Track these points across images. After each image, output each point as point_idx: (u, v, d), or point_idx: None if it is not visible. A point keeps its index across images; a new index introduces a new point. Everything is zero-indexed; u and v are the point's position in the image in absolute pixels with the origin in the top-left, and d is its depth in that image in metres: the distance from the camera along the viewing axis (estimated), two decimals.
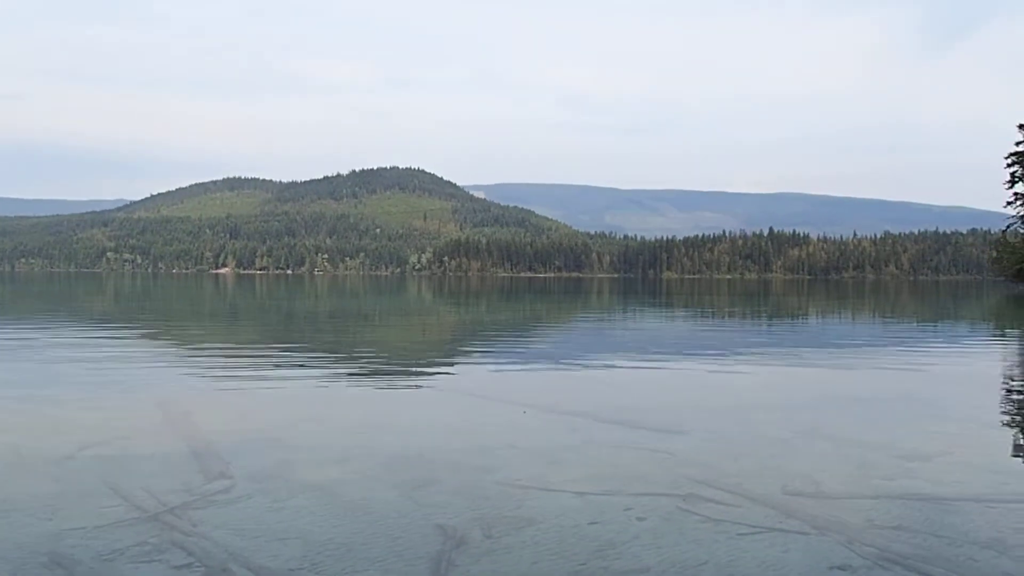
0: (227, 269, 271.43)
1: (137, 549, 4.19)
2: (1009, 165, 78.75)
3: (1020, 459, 6.65)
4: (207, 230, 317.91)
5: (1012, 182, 78.48)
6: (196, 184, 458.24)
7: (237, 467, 5.86)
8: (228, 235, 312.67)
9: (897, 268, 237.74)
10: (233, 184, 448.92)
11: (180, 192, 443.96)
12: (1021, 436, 7.64)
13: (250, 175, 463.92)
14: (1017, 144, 78.25)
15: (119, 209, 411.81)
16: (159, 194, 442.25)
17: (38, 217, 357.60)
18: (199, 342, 17.43)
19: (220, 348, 15.90)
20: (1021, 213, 76.71)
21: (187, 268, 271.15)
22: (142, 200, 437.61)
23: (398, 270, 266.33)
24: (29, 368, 11.88)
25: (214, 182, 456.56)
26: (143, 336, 18.85)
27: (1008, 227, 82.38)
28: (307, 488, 5.35)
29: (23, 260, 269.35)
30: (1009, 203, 79.24)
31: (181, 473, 5.72)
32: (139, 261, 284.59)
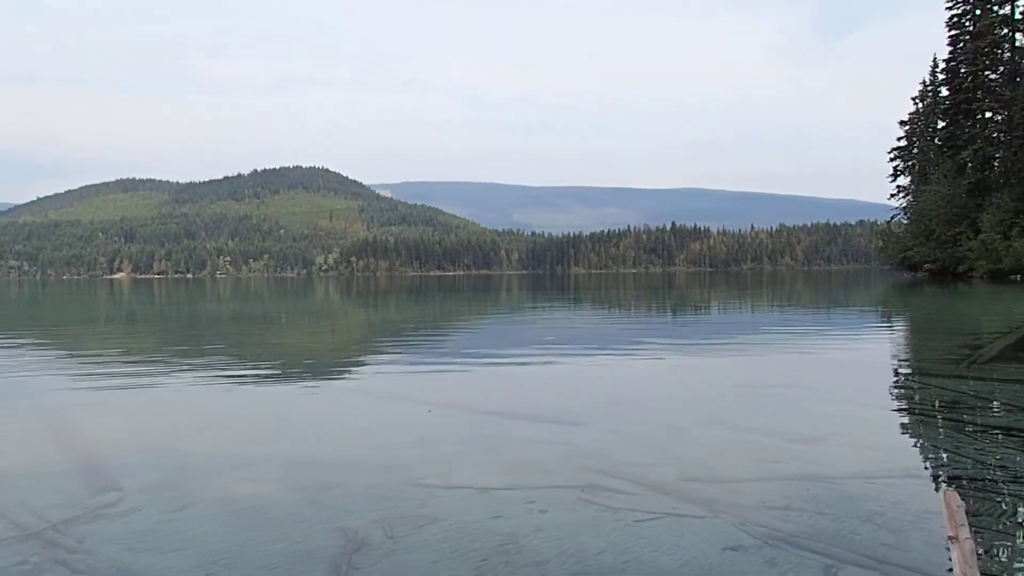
0: (122, 274, 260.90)
1: (16, 569, 3.99)
2: (892, 160, 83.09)
3: (899, 437, 7.01)
4: (100, 234, 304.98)
5: (895, 176, 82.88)
6: (87, 186, 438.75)
7: (127, 478, 5.65)
8: (123, 239, 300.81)
9: (792, 259, 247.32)
10: (127, 185, 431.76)
11: (70, 194, 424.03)
12: (902, 416, 8.06)
13: (146, 176, 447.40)
14: (898, 140, 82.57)
15: (2, 213, 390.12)
16: (47, 196, 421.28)
17: None
18: (90, 350, 16.69)
19: (113, 355, 15.27)
20: (904, 205, 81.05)
21: (79, 274, 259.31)
22: (27, 203, 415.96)
23: (304, 271, 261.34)
24: None
25: (107, 183, 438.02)
26: (27, 344, 17.93)
27: (892, 218, 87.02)
28: (202, 497, 5.20)
29: None
30: (893, 195, 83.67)
31: (65, 487, 5.48)
32: (26, 268, 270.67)
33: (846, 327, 20.99)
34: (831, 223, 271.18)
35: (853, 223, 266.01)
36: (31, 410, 8.71)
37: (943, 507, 3.30)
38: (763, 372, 11.56)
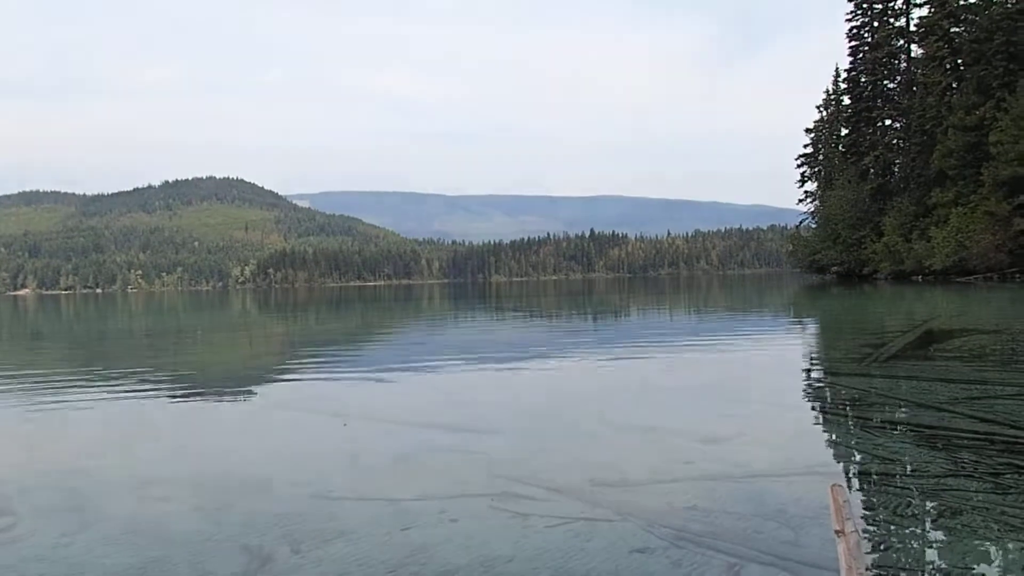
0: (27, 290, 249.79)
1: None
2: (799, 166, 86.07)
3: (804, 435, 7.24)
4: (1, 248, 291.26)
5: (802, 181, 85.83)
6: None
7: (21, 502, 5.41)
8: (27, 253, 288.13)
9: (708, 264, 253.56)
10: (30, 198, 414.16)
11: None
12: (808, 414, 8.33)
13: (49, 188, 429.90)
14: (805, 147, 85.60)
15: None
16: None
17: None
18: None
19: (14, 377, 14.56)
20: (811, 210, 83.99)
21: None
22: None
23: (220, 284, 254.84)
24: None
25: (8, 196, 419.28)
26: None
27: (801, 222, 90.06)
28: (102, 519, 5.01)
29: None
30: (800, 200, 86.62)
31: None
32: None
33: (758, 329, 21.60)
34: (744, 228, 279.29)
35: (765, 228, 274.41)
36: None
37: (830, 501, 3.42)
38: (676, 374, 11.79)
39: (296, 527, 4.68)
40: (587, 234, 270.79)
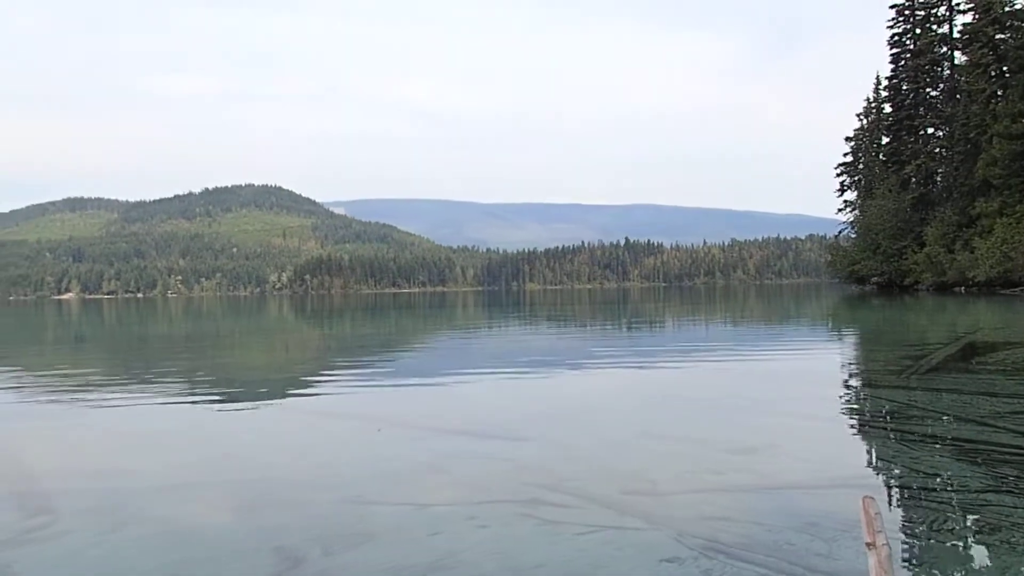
0: (71, 294, 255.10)
1: None
2: (839, 175, 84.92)
3: (839, 447, 7.14)
4: (47, 253, 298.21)
5: (841, 191, 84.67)
6: (33, 205, 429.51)
7: (62, 502, 5.53)
8: (71, 258, 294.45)
9: (744, 273, 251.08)
10: (75, 204, 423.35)
11: (15, 214, 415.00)
12: (844, 426, 8.21)
13: (93, 195, 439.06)
14: (845, 156, 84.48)
15: None
16: None
17: None
18: (36, 372, 16.26)
19: (58, 378, 14.89)
20: (851, 219, 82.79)
21: (26, 295, 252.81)
22: None
23: (258, 290, 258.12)
24: None
25: (53, 203, 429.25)
26: None
27: (840, 232, 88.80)
28: (137, 519, 5.10)
29: None
30: (840, 210, 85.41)
31: None
32: None
33: (795, 340, 21.35)
34: (782, 238, 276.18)
35: (803, 237, 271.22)
36: None
37: (862, 514, 3.37)
38: (710, 385, 11.69)
39: (328, 530, 4.73)
40: (622, 242, 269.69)
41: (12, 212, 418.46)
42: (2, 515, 5.22)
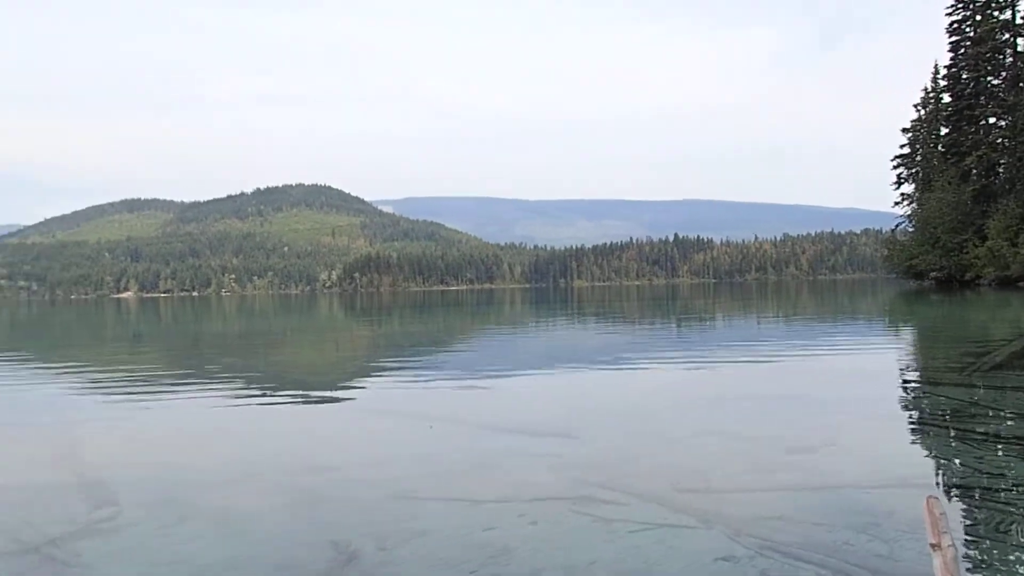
0: (129, 293, 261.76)
1: None
2: (895, 167, 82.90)
3: (899, 446, 6.98)
4: (106, 254, 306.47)
5: (898, 183, 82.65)
6: (92, 207, 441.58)
7: (126, 494, 5.67)
8: (129, 258, 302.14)
9: (797, 269, 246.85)
10: (132, 205, 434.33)
11: (76, 215, 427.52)
12: (904, 425, 8.02)
13: (150, 196, 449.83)
14: (901, 147, 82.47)
15: (11, 235, 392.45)
16: (54, 218, 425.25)
17: None
18: (98, 368, 16.73)
19: (120, 374, 15.30)
20: (908, 213, 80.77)
21: (86, 294, 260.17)
22: (35, 224, 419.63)
23: (308, 288, 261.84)
24: None
25: (111, 204, 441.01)
26: (33, 363, 17.98)
27: (897, 226, 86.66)
28: (197, 512, 5.22)
29: None
30: (897, 203, 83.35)
31: (65, 503, 5.51)
32: (35, 288, 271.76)
33: (850, 336, 20.92)
34: (836, 232, 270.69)
35: (858, 232, 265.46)
36: (35, 427, 8.75)
37: (926, 514, 3.28)
38: (763, 382, 11.53)
39: (382, 526, 4.77)
40: (671, 238, 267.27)
41: (73, 214, 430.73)
42: (70, 506, 5.38)
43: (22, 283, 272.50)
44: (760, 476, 5.78)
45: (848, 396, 9.93)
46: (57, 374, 15.63)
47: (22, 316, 62.42)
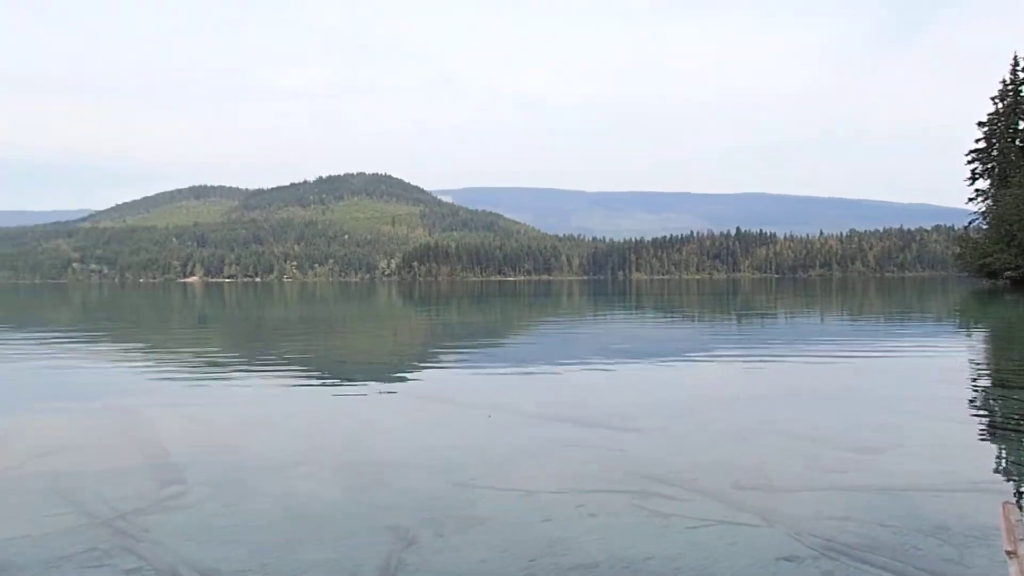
0: (195, 278, 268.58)
1: (86, 555, 4.16)
2: (970, 162, 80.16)
3: (969, 450, 6.75)
4: (174, 239, 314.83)
5: (973, 179, 79.90)
6: (161, 193, 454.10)
7: (191, 473, 5.82)
8: (195, 244, 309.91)
9: (863, 265, 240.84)
10: (199, 192, 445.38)
11: (146, 201, 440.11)
12: (974, 428, 7.76)
13: (216, 183, 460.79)
14: (976, 142, 79.74)
15: (83, 219, 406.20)
16: (124, 203, 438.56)
17: (1, 229, 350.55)
18: (164, 351, 17.22)
19: (185, 356, 15.72)
20: (982, 209, 78.08)
21: (154, 278, 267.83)
22: (107, 210, 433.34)
23: (367, 276, 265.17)
24: None
25: (179, 190, 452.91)
26: (104, 345, 18.58)
27: (970, 223, 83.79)
28: (259, 492, 5.32)
29: None
30: (971, 199, 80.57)
31: (134, 479, 5.68)
32: (105, 271, 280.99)
33: (919, 336, 20.33)
34: (904, 228, 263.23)
35: (928, 228, 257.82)
36: (105, 408, 9.03)
37: (1002, 520, 3.16)
38: (827, 380, 11.27)
39: (439, 512, 4.80)
40: (732, 232, 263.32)
41: (143, 199, 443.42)
42: (140, 484, 5.54)
43: (93, 266, 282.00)
44: (823, 475, 5.65)
45: (916, 396, 9.64)
46: (127, 356, 16.13)
47: (93, 299, 64.59)
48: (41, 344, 18.43)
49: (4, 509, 4.98)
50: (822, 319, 28.04)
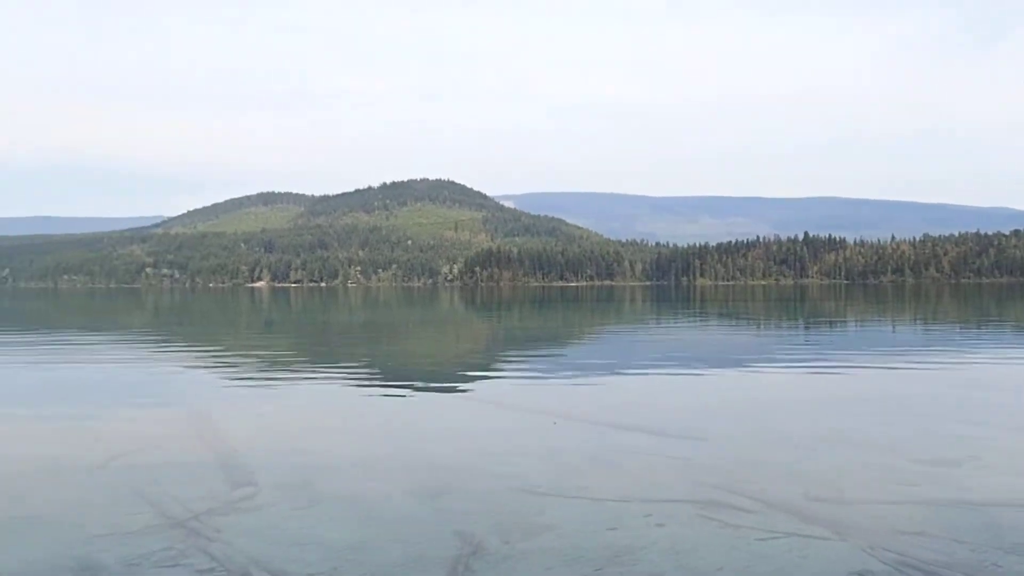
0: (262, 282, 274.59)
1: (163, 554, 4.30)
2: None
3: None
4: (242, 244, 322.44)
5: None
6: (231, 199, 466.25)
7: (262, 475, 5.97)
8: (263, 249, 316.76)
9: (938, 271, 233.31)
10: (267, 199, 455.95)
11: (216, 207, 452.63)
12: None
13: (283, 189, 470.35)
14: None
15: (156, 225, 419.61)
16: (195, 210, 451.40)
17: (79, 234, 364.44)
18: (234, 354, 17.68)
19: (254, 359, 16.11)
20: None
21: (223, 282, 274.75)
22: (179, 216, 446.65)
23: (430, 281, 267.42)
24: (63, 379, 12.14)
25: (248, 197, 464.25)
26: (179, 348, 19.16)
27: None
28: (328, 496, 5.43)
29: (66, 277, 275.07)
30: None
31: (208, 481, 5.84)
32: (177, 276, 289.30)
33: (998, 345, 19.62)
34: (982, 233, 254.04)
35: (1007, 233, 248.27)
36: (179, 409, 9.33)
37: None
38: (899, 389, 10.96)
39: (506, 519, 4.83)
40: (800, 237, 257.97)
41: (213, 206, 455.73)
42: (213, 485, 5.70)
43: (165, 271, 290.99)
44: (897, 488, 5.51)
45: (996, 408, 9.31)
46: (199, 358, 16.60)
47: (166, 303, 66.63)
48: (118, 346, 19.10)
49: (89, 507, 5.19)
50: (894, 327, 27.29)
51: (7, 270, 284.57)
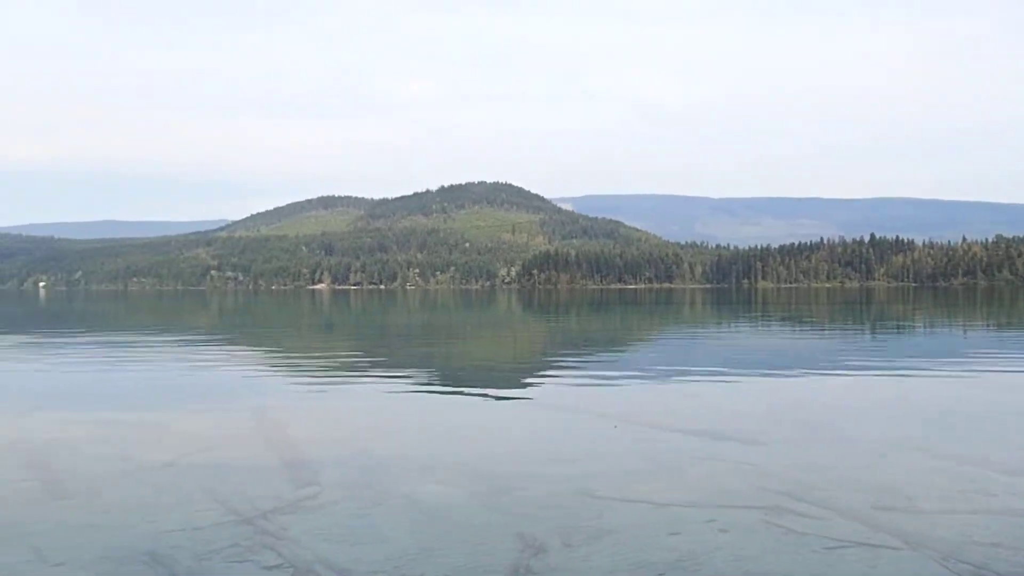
0: (323, 285, 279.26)
1: (231, 550, 4.40)
2: None
3: None
4: (303, 247, 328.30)
5: None
6: (292, 203, 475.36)
7: (325, 474, 6.07)
8: (323, 252, 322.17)
9: (1011, 273, 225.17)
10: (327, 202, 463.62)
11: (278, 211, 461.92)
12: None
13: (343, 193, 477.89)
14: None
15: (221, 229, 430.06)
16: (258, 214, 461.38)
17: (146, 238, 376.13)
18: (296, 355, 18.02)
19: (315, 360, 16.39)
20: None
21: (285, 284, 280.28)
22: (242, 220, 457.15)
23: (488, 283, 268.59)
24: (134, 379, 12.52)
25: (309, 201, 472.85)
26: (243, 349, 19.61)
27: None
28: (391, 496, 5.49)
29: (134, 279, 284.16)
30: None
31: (273, 480, 5.96)
32: (240, 278, 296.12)
33: None
34: None
35: None
36: (244, 409, 9.54)
37: None
38: (972, 396, 10.61)
39: (567, 522, 4.82)
40: (866, 239, 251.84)
41: (275, 210, 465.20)
42: (278, 484, 5.82)
43: (229, 273, 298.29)
44: (972, 497, 5.33)
45: None
46: (262, 359, 16.96)
47: (230, 305, 68.23)
48: (186, 347, 19.63)
49: (159, 503, 5.34)
50: (965, 331, 26.44)
51: (79, 272, 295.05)
